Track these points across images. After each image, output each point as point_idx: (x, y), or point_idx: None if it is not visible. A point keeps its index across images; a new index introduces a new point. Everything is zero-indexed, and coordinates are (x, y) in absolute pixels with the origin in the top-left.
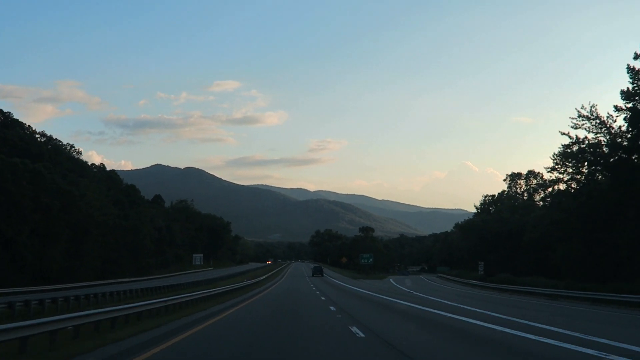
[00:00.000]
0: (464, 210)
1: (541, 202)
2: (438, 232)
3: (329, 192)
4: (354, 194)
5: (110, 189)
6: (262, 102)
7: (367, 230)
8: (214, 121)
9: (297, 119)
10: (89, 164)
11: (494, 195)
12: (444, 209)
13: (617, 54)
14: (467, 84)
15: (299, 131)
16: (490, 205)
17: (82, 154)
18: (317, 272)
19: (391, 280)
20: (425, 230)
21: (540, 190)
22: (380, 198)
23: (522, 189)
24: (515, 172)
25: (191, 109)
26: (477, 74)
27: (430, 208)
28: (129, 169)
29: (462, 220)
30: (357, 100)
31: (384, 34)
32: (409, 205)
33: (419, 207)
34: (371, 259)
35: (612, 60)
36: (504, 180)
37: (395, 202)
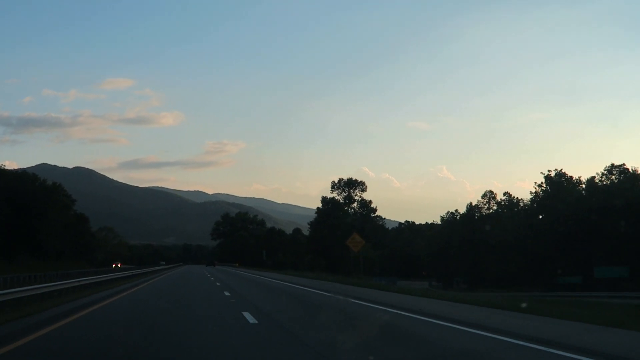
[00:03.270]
0: None
1: None
2: None
3: (228, 194)
4: (254, 197)
5: None
6: (156, 101)
7: (355, 184)
8: (105, 120)
9: (193, 120)
10: None
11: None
12: None
13: (512, 62)
14: (365, 88)
15: (196, 132)
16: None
17: None
18: (210, 264)
19: None
20: None
21: None
22: (280, 202)
23: None
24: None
25: (81, 108)
26: (375, 78)
27: None
28: (13, 169)
29: None
30: (254, 102)
31: (280, 35)
32: (309, 209)
33: None
34: None
35: (505, 67)
36: None
37: (295, 206)
